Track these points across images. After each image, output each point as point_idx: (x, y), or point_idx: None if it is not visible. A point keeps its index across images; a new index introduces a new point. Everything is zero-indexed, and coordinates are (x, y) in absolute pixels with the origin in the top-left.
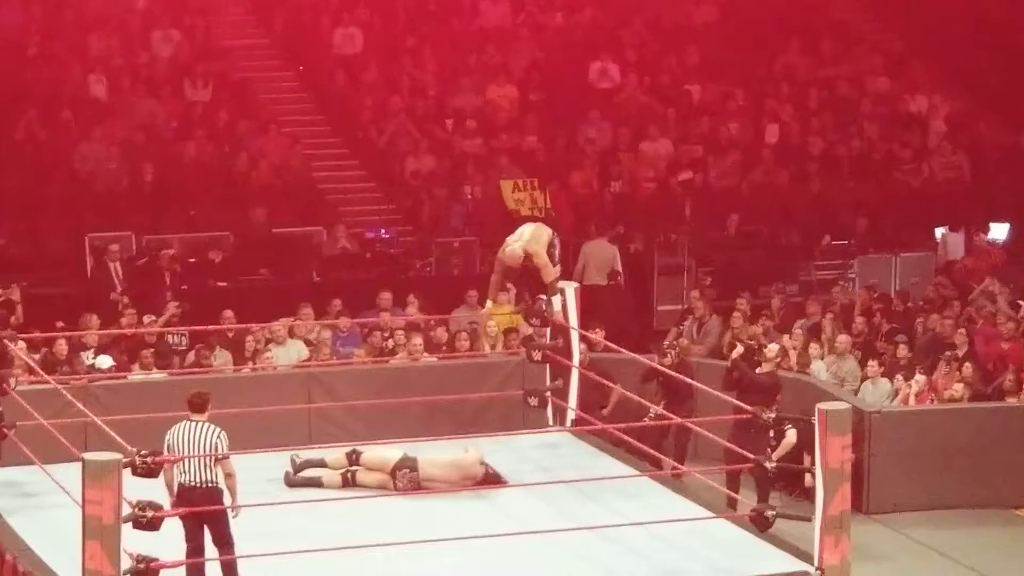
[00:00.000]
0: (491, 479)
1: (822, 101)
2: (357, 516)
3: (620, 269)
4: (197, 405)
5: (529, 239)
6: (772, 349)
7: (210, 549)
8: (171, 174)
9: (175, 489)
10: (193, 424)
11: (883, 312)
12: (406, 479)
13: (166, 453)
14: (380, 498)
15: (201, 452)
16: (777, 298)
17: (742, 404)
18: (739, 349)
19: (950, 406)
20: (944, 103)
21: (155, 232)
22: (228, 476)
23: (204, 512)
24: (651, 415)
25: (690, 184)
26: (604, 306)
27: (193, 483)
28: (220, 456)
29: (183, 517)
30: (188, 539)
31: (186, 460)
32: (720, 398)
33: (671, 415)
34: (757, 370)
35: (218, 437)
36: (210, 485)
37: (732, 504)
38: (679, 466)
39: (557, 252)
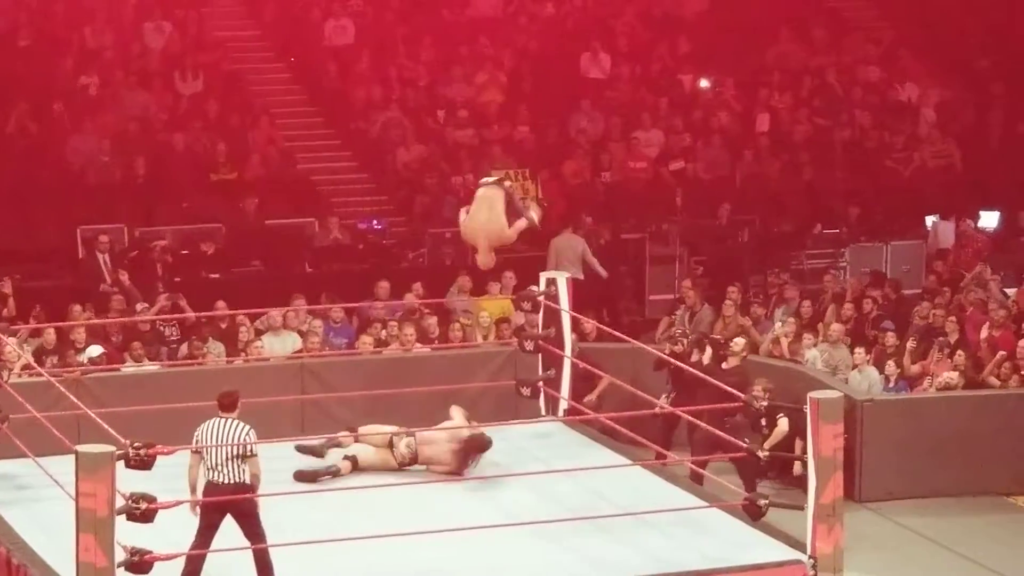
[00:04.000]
0: (476, 441)
1: (813, 90)
2: (353, 507)
3: (591, 260)
4: (226, 404)
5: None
6: (738, 343)
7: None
8: (163, 166)
9: (200, 487)
10: (222, 420)
11: (875, 300)
12: (403, 444)
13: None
14: (376, 488)
15: (230, 448)
16: (775, 286)
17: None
18: (739, 341)
19: (942, 394)
20: (934, 91)
21: (147, 224)
22: (253, 476)
23: (233, 509)
24: (659, 407)
25: (682, 174)
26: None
27: (220, 480)
28: (249, 453)
29: (204, 513)
30: (199, 534)
31: (214, 457)
32: (717, 387)
33: (677, 407)
34: (723, 365)
35: (247, 434)
36: (238, 482)
37: (698, 479)
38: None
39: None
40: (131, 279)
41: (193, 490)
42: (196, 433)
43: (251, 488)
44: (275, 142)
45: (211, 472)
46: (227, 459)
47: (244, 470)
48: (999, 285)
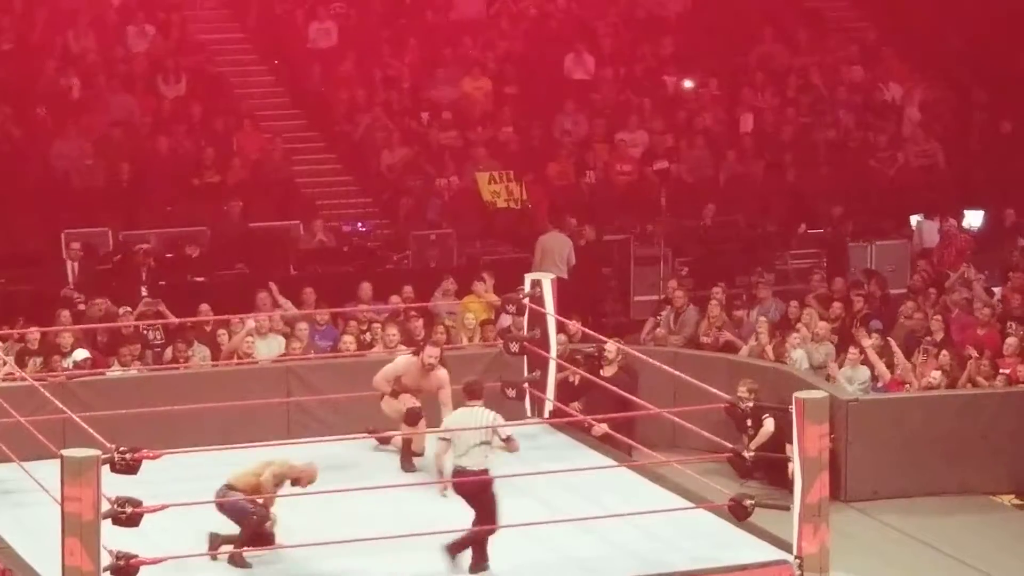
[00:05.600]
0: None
1: (797, 90)
2: (338, 511)
3: (573, 260)
4: (473, 392)
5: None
6: (611, 349)
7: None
8: (147, 170)
9: (447, 470)
10: (469, 409)
11: (865, 298)
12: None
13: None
14: (361, 492)
15: (478, 433)
16: (760, 287)
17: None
18: (611, 348)
19: (927, 393)
20: (918, 91)
21: (131, 228)
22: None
23: (473, 495)
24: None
25: (666, 174)
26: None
27: (466, 466)
28: (502, 436)
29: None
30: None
31: (463, 443)
32: (699, 388)
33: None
34: (601, 372)
35: (494, 419)
36: (482, 468)
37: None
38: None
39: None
40: (114, 283)
41: (441, 473)
42: (445, 422)
43: (491, 477)
44: (259, 145)
45: (460, 457)
46: (473, 446)
47: (488, 456)
48: (983, 284)
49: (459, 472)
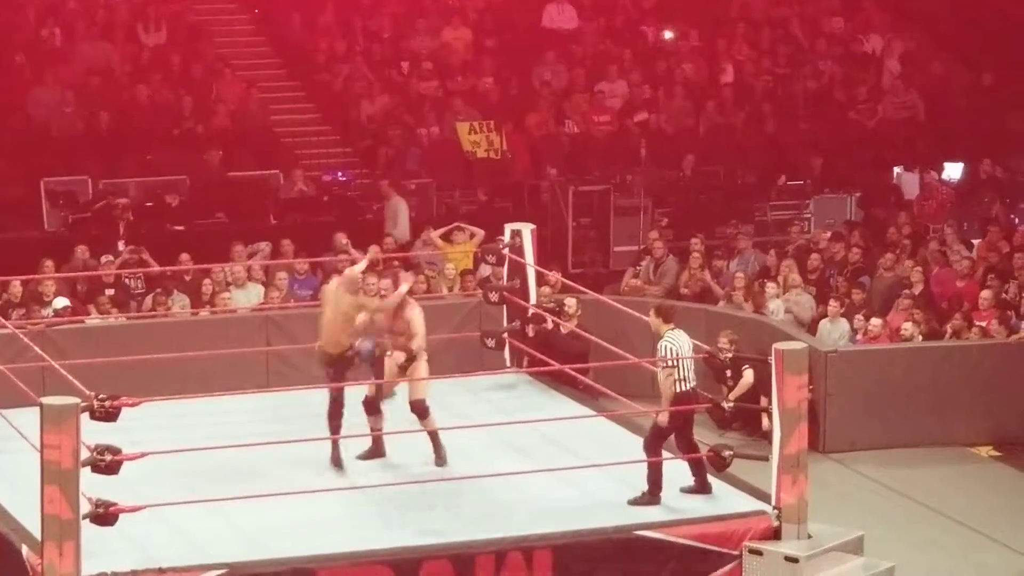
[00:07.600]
0: None
1: (777, 41)
2: (312, 458)
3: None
4: (670, 316)
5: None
6: (571, 304)
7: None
8: (126, 118)
9: (672, 398)
10: (680, 332)
11: (859, 246)
12: None
13: (676, 357)
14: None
15: (692, 355)
16: (739, 238)
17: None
18: (571, 303)
19: (905, 345)
20: (898, 43)
21: (111, 176)
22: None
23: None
24: None
25: (645, 125)
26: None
27: (693, 387)
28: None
29: (685, 422)
30: (680, 442)
31: (686, 367)
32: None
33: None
34: (562, 328)
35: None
36: (695, 386)
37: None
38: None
39: None
40: (93, 232)
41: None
42: (674, 347)
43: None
44: (239, 94)
45: (686, 383)
46: (693, 366)
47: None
48: (962, 237)
49: (688, 396)
